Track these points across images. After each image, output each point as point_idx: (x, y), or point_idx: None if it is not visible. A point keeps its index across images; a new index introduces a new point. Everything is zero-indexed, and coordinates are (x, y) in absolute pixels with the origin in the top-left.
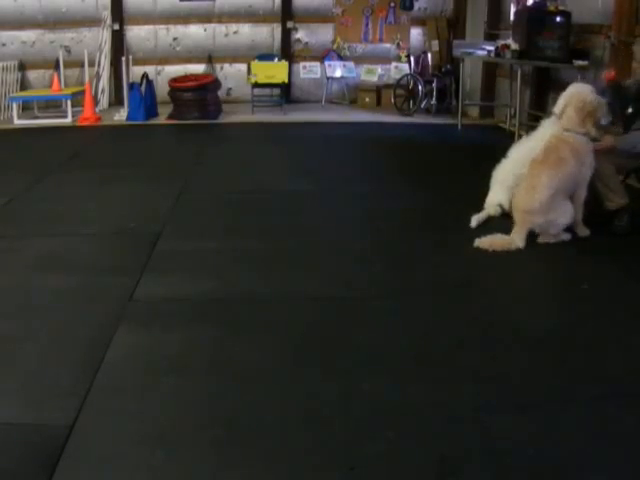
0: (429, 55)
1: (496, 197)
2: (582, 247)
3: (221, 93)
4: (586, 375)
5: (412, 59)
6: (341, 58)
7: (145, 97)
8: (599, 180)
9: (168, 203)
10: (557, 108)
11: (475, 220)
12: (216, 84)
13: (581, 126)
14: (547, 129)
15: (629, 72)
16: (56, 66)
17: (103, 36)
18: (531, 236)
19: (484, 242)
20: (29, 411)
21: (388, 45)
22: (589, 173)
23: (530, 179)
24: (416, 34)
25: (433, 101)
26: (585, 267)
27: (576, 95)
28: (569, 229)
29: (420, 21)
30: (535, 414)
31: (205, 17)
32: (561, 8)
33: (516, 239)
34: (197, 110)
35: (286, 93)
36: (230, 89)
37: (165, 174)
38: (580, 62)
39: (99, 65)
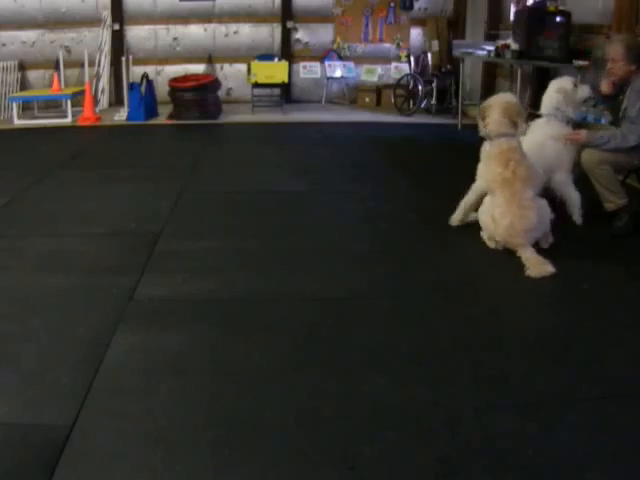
0: (429, 55)
1: None
2: (582, 247)
3: (221, 93)
4: (586, 375)
5: (412, 59)
6: (341, 58)
7: (145, 97)
8: (598, 181)
9: (168, 203)
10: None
11: (457, 220)
12: (216, 84)
13: (511, 127)
14: (539, 129)
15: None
16: (56, 66)
17: (103, 36)
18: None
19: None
20: (29, 411)
21: (388, 45)
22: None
23: (513, 198)
24: (416, 34)
25: (433, 101)
26: (585, 267)
27: (499, 99)
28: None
29: (420, 21)
30: (535, 414)
31: (205, 17)
32: (561, 8)
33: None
34: (197, 110)
35: (286, 93)
36: (230, 89)
37: (165, 174)
38: (580, 62)
39: (99, 65)
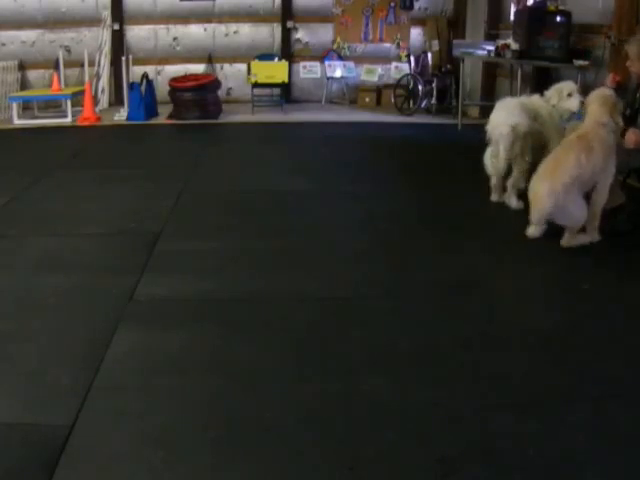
0: (429, 55)
1: (505, 118)
2: (582, 247)
3: (221, 93)
4: (586, 375)
5: (412, 59)
6: (341, 58)
7: (145, 97)
8: None
9: (168, 203)
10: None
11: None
12: (216, 84)
13: (608, 117)
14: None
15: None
16: (56, 66)
17: (103, 36)
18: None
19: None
20: (29, 411)
21: (388, 45)
22: (611, 170)
23: (556, 155)
24: (416, 34)
25: (433, 101)
26: (585, 267)
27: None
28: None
29: (420, 21)
30: (535, 414)
31: (205, 17)
32: (561, 8)
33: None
34: (197, 110)
35: (286, 93)
36: (230, 89)
37: (165, 174)
38: (580, 62)
39: (99, 65)
